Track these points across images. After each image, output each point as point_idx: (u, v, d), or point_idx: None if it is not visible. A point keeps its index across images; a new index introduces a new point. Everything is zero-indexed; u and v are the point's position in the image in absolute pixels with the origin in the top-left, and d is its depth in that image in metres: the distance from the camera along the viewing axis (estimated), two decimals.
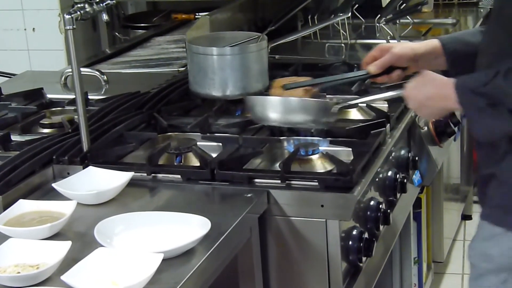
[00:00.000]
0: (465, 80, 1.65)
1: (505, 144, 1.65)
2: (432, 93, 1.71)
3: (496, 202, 1.68)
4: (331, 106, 1.99)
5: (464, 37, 1.91)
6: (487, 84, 1.58)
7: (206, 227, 1.63)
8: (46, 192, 1.93)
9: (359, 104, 2.26)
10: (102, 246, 1.57)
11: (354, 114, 2.33)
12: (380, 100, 2.12)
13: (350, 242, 1.94)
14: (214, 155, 2.07)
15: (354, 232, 1.95)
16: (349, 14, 3.10)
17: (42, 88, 2.65)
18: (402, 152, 2.33)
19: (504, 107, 1.56)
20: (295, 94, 2.06)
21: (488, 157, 1.70)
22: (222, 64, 2.38)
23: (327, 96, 2.36)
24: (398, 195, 2.23)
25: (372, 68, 1.91)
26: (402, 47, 1.92)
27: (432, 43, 1.92)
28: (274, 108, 2.04)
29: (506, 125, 1.58)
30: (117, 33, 3.98)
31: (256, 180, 1.93)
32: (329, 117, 2.00)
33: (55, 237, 1.68)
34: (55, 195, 1.86)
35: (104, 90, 2.73)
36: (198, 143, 2.14)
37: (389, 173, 2.18)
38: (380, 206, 2.05)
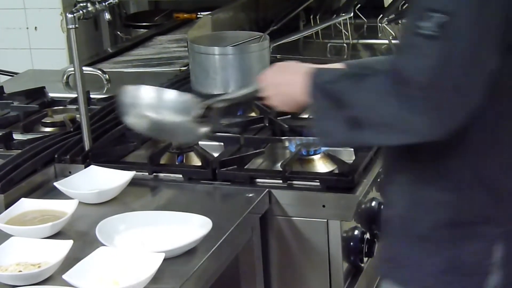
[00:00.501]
0: (324, 72, 1.47)
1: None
2: (286, 79, 1.53)
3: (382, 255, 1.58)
4: (195, 103, 1.73)
5: (371, 65, 1.73)
6: (335, 82, 1.42)
7: (207, 227, 1.63)
8: (48, 191, 1.93)
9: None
10: (104, 245, 1.57)
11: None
12: (244, 94, 1.74)
13: (352, 243, 1.94)
14: (215, 154, 2.07)
15: (356, 233, 1.95)
16: (351, 14, 3.10)
17: (44, 87, 2.65)
18: None
19: (341, 113, 1.39)
20: None
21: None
22: (224, 64, 2.38)
23: None
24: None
25: None
26: None
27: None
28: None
29: (339, 133, 1.41)
30: (119, 32, 3.98)
31: (258, 180, 1.93)
32: (194, 118, 1.73)
33: (56, 236, 1.68)
34: (57, 194, 1.86)
35: (106, 89, 2.73)
36: (199, 142, 2.14)
37: None
38: (382, 206, 2.05)
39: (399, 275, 1.50)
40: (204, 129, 1.73)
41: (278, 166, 2.02)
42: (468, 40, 1.28)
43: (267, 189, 1.88)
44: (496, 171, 1.42)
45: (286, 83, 1.53)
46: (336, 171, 1.95)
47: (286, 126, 2.16)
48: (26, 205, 1.77)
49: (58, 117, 2.43)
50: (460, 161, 1.41)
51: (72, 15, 2.01)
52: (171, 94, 1.75)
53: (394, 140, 1.38)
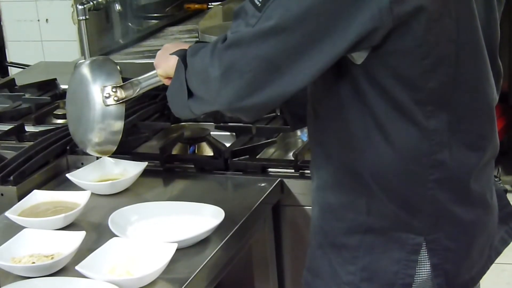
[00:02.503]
0: (193, 46, 1.44)
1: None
2: (167, 59, 1.54)
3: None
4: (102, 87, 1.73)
5: None
6: (188, 55, 1.41)
7: (219, 217, 1.63)
8: (60, 183, 1.94)
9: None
10: (116, 236, 1.58)
11: None
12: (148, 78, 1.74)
13: None
14: (227, 144, 2.07)
15: None
16: None
17: (55, 79, 2.65)
18: None
19: (184, 84, 1.41)
20: None
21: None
22: None
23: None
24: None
25: None
26: None
27: None
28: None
29: (179, 98, 1.44)
30: (130, 23, 3.97)
31: (270, 169, 1.93)
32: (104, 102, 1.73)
33: (69, 227, 1.68)
34: (69, 186, 1.86)
35: None
36: (211, 132, 2.13)
37: None
38: None
39: (317, 285, 1.47)
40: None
41: (290, 156, 2.02)
42: (287, 22, 1.25)
43: (279, 179, 1.88)
44: (398, 180, 1.36)
45: (167, 60, 1.54)
46: None
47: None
48: (38, 196, 1.77)
49: None
50: (360, 168, 1.36)
51: (83, 7, 2.02)
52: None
53: (206, 106, 1.41)
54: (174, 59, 1.48)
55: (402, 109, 1.33)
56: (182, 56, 1.44)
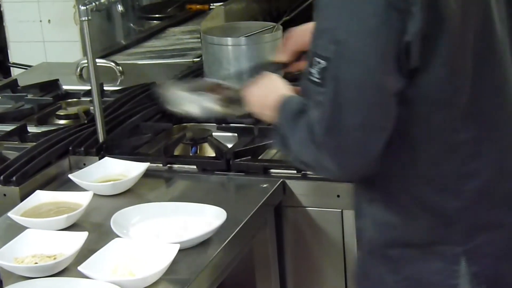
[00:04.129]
0: (290, 100, 1.44)
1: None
2: (264, 101, 1.52)
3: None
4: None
5: None
6: (283, 123, 1.42)
7: (221, 217, 1.63)
8: (63, 183, 1.94)
9: None
10: (119, 236, 1.58)
11: None
12: (218, 102, 1.77)
13: None
14: (229, 145, 2.07)
15: None
16: None
17: (57, 80, 2.66)
18: None
19: (287, 150, 1.43)
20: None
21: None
22: (237, 55, 2.37)
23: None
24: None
25: (280, 57, 1.72)
26: (304, 29, 1.68)
27: None
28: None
29: (293, 159, 1.44)
30: (132, 24, 3.97)
31: (272, 170, 1.93)
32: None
33: (71, 227, 1.68)
34: (72, 186, 1.87)
35: (119, 81, 2.73)
36: (213, 133, 2.14)
37: None
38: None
39: (367, 287, 1.49)
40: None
41: None
42: (351, 78, 1.28)
43: (281, 180, 1.88)
44: (433, 193, 1.38)
45: (264, 106, 1.52)
46: None
47: None
48: (41, 197, 1.78)
49: (72, 110, 2.44)
50: (399, 185, 1.39)
51: (85, 7, 2.01)
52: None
53: (321, 175, 1.52)
54: (270, 111, 1.47)
55: (431, 126, 1.35)
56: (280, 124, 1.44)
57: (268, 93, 1.50)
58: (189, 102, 1.76)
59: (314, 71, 1.30)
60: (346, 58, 1.28)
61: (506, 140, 1.42)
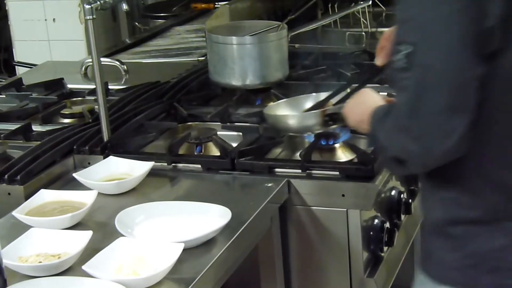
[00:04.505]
0: (377, 111, 1.53)
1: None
2: (361, 117, 1.59)
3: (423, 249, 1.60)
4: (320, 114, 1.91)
5: None
6: (375, 127, 1.50)
7: (226, 217, 1.62)
8: (67, 182, 1.94)
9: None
10: (123, 236, 1.58)
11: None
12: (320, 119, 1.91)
13: (372, 232, 1.93)
14: (234, 144, 2.06)
15: (376, 222, 1.94)
16: (370, 2, 3.08)
17: (62, 78, 2.66)
18: None
19: (385, 154, 1.49)
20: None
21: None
22: (242, 54, 2.37)
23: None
24: (420, 184, 2.22)
25: (379, 61, 1.76)
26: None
27: None
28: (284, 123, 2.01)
29: (397, 168, 1.48)
30: (136, 23, 3.98)
31: (277, 169, 1.93)
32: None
33: (76, 226, 1.68)
34: (76, 185, 1.86)
35: (124, 80, 2.73)
36: (218, 132, 2.13)
37: None
38: (402, 195, 2.04)
39: (429, 267, 1.52)
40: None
41: (297, 156, 2.01)
42: (435, 63, 1.34)
43: (286, 179, 1.88)
44: (504, 170, 1.42)
45: (361, 120, 1.58)
46: (356, 160, 1.94)
47: None
48: (45, 196, 1.78)
49: (76, 108, 2.44)
50: (471, 163, 1.42)
51: (90, 6, 2.01)
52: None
53: (421, 168, 1.48)
54: (367, 126, 1.53)
55: (507, 105, 1.40)
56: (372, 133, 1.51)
57: (365, 110, 1.56)
58: (293, 120, 1.95)
59: (400, 57, 1.37)
60: (430, 43, 1.34)
61: None
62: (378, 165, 1.87)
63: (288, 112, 2.03)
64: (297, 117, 1.96)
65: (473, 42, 1.33)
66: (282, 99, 2.24)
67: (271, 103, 2.16)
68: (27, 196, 1.80)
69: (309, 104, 2.04)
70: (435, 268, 1.51)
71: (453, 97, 1.34)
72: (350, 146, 1.99)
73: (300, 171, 1.90)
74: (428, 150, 1.37)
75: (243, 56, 2.37)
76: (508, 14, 1.33)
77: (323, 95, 2.01)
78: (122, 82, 2.70)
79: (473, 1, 1.33)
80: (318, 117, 1.90)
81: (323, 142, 2.02)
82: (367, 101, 1.60)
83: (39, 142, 2.08)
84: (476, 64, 1.34)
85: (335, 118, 1.86)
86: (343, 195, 1.84)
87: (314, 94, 2.09)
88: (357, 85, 1.88)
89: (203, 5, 3.68)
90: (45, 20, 3.68)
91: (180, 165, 2.01)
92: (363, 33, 3.21)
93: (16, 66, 3.63)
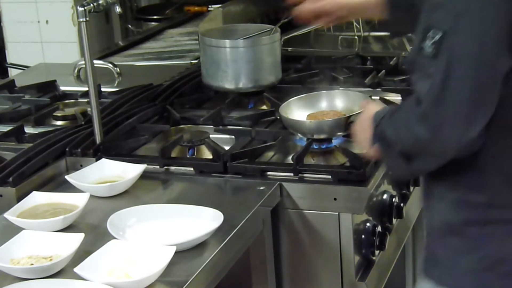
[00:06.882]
0: (377, 114, 1.54)
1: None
2: (365, 127, 1.59)
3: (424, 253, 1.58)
4: (344, 120, 2.02)
5: None
6: (380, 124, 1.50)
7: (218, 220, 1.62)
8: (59, 184, 1.93)
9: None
10: (115, 238, 1.58)
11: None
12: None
13: (363, 236, 1.93)
14: (226, 147, 2.07)
15: (367, 226, 1.95)
16: None
17: (55, 81, 2.66)
18: None
19: (392, 151, 1.47)
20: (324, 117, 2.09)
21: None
22: (235, 57, 2.37)
23: (340, 88, 2.35)
24: (412, 188, 2.23)
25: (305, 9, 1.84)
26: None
27: None
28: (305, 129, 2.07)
29: (401, 169, 1.49)
30: (130, 26, 3.98)
31: (269, 173, 1.93)
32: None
33: (68, 229, 1.68)
34: (68, 187, 1.86)
35: (117, 82, 2.73)
36: (210, 135, 2.13)
37: None
38: (393, 199, 2.04)
39: (435, 273, 1.50)
40: None
41: (290, 159, 2.02)
42: (466, 52, 1.32)
43: (278, 182, 1.88)
44: None
45: (362, 132, 1.59)
46: (348, 164, 1.94)
47: None
48: (37, 198, 1.77)
49: (69, 111, 2.44)
50: (490, 162, 1.41)
51: (83, 8, 2.01)
52: None
53: (434, 162, 1.43)
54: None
55: None
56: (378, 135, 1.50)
57: (367, 128, 1.54)
58: (314, 125, 2.03)
59: (428, 43, 1.34)
60: (463, 32, 1.31)
61: None
62: (370, 169, 1.88)
63: (303, 112, 2.08)
64: (319, 123, 2.03)
65: (506, 36, 1.31)
66: (275, 102, 2.25)
67: (284, 103, 2.17)
68: (19, 198, 1.80)
69: (323, 102, 2.14)
70: (443, 272, 1.48)
71: (480, 90, 1.32)
72: (342, 150, 1.99)
73: (292, 174, 1.90)
74: (446, 140, 1.35)
75: (236, 59, 2.37)
76: None
77: (335, 93, 2.10)
78: (115, 85, 2.70)
79: None
80: (341, 123, 1.99)
81: (315, 146, 2.02)
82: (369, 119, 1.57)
83: (31, 144, 2.07)
84: (506, 60, 1.33)
85: (339, 126, 1.94)
86: (335, 199, 1.85)
87: (325, 91, 2.19)
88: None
89: (196, 8, 3.68)
90: (38, 22, 3.67)
91: (172, 168, 2.01)
92: (356, 37, 3.21)
93: (8, 68, 3.62)
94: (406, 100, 1.46)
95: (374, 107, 1.61)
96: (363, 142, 1.61)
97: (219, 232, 1.61)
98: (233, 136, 2.17)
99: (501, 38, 1.31)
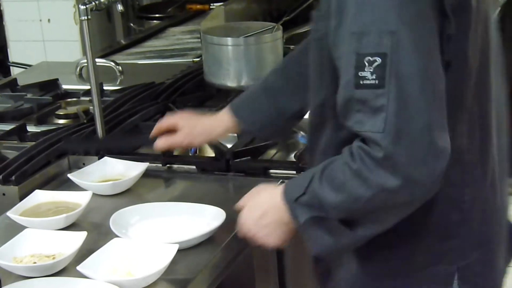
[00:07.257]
0: (289, 187, 1.35)
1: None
2: (265, 208, 1.41)
3: None
4: None
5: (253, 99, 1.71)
6: (304, 194, 1.30)
7: (221, 218, 1.62)
8: (62, 183, 1.93)
9: None
10: (118, 236, 1.58)
11: None
12: None
13: None
14: (229, 145, 2.07)
15: None
16: None
17: (57, 79, 2.66)
18: None
19: (328, 217, 1.29)
20: None
21: None
22: (237, 55, 2.37)
23: None
24: None
25: (160, 145, 1.76)
26: (197, 135, 1.72)
27: (226, 122, 1.73)
28: None
29: (338, 239, 1.31)
30: (132, 24, 3.98)
31: (271, 171, 1.93)
32: None
33: (70, 227, 1.68)
34: (71, 186, 1.86)
35: (119, 80, 2.73)
36: None
37: None
38: None
39: None
40: None
41: (292, 157, 2.02)
42: (414, 65, 1.17)
43: (281, 180, 1.87)
44: (435, 207, 1.30)
45: (266, 213, 1.42)
46: None
47: None
48: (40, 196, 1.77)
49: (71, 109, 2.44)
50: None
51: (85, 7, 2.01)
52: None
53: (392, 217, 1.27)
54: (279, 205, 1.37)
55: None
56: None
57: (264, 200, 1.40)
58: None
59: (365, 73, 1.18)
60: (405, 49, 1.16)
61: (501, 152, 1.40)
62: None
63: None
64: None
65: (439, 45, 1.21)
66: None
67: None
68: (22, 197, 1.80)
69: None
70: None
71: (438, 106, 1.19)
72: None
73: (295, 172, 1.90)
74: (421, 178, 1.18)
75: (238, 57, 2.37)
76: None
77: None
78: (117, 83, 2.70)
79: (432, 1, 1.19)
80: None
81: None
82: (264, 193, 1.44)
83: (33, 143, 2.07)
84: (443, 71, 1.21)
85: None
86: None
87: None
88: None
89: (198, 6, 3.68)
90: (40, 20, 3.68)
91: (175, 166, 2.01)
92: None
93: (11, 67, 3.62)
94: (340, 153, 1.26)
95: (263, 188, 1.45)
96: (258, 223, 1.42)
97: (221, 231, 1.61)
98: (235, 134, 2.16)
99: (437, 46, 1.20)
